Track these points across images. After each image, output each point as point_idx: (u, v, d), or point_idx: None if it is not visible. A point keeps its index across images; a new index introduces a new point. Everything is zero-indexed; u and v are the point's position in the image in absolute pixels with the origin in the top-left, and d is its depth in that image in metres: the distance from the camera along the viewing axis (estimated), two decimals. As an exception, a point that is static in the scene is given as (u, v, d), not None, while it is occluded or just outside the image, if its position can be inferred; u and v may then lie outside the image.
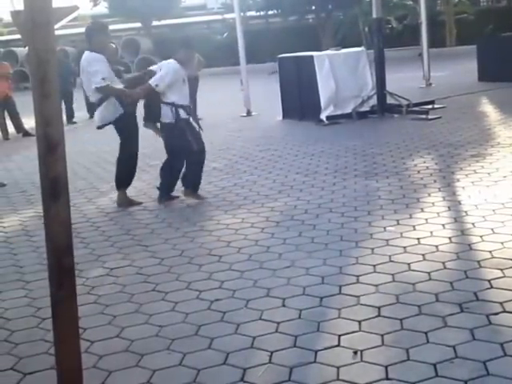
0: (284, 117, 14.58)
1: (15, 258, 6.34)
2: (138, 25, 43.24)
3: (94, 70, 7.40)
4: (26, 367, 4.06)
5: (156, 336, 4.34)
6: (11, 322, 4.79)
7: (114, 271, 5.70)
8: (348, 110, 13.52)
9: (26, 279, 5.68)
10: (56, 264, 3.11)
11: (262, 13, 36.88)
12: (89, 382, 3.51)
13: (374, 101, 13.68)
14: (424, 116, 12.69)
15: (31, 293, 5.33)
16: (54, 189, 3.02)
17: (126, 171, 7.97)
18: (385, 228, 6.12)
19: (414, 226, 6.08)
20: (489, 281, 4.68)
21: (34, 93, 2.96)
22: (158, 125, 7.81)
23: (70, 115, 17.64)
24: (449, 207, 6.65)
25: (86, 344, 4.20)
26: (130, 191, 8.38)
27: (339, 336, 4.06)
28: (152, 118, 7.74)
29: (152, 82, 7.48)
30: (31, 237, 6.99)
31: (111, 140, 13.14)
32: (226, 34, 36.70)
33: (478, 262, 5.06)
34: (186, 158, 7.76)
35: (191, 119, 7.81)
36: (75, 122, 17.69)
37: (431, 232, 5.87)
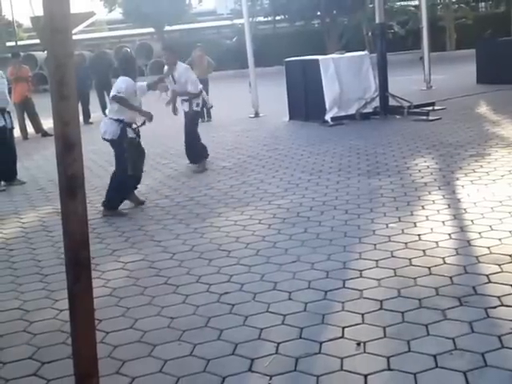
0: (290, 118, 14.67)
1: (34, 253, 6.45)
2: (151, 30, 43.40)
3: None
4: (44, 356, 4.17)
5: (168, 327, 4.43)
6: (30, 313, 4.91)
7: (128, 265, 5.80)
8: (352, 112, 13.63)
9: (44, 273, 5.80)
10: (73, 258, 3.16)
11: (269, 18, 36.87)
12: (104, 371, 3.59)
13: (376, 102, 13.77)
14: (425, 117, 12.79)
15: (49, 285, 5.44)
16: (72, 186, 3.05)
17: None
18: (387, 225, 6.21)
19: (414, 223, 6.18)
20: (487, 276, 4.76)
21: (52, 95, 3.00)
22: None
23: (87, 116, 17.78)
24: (448, 205, 6.73)
25: (101, 335, 4.30)
26: (142, 189, 8.54)
27: (343, 328, 4.15)
28: None
29: None
30: (49, 232, 7.11)
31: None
32: (235, 39, 36.66)
33: (477, 257, 5.15)
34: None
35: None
36: (91, 123, 17.82)
37: (431, 228, 5.95)
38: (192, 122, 10.09)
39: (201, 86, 10.06)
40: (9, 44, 40.48)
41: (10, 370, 4.05)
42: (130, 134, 7.63)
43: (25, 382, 3.92)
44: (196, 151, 10.07)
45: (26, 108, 16.02)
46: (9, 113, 10.07)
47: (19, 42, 43.56)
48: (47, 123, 15.66)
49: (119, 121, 7.56)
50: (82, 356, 3.32)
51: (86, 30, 32.27)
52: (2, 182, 9.97)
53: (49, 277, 5.67)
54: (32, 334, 4.55)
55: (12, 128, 10.27)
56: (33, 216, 7.99)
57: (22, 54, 22.18)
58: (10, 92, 10.93)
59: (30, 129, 16.31)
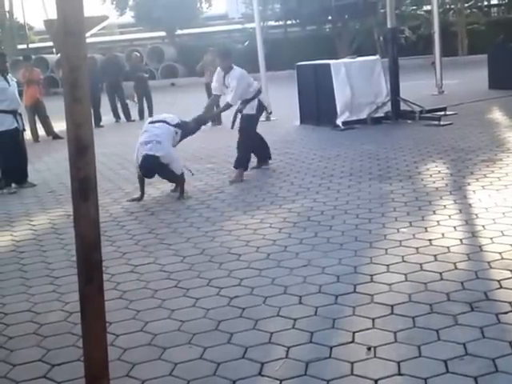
0: (301, 122, 14.66)
1: (44, 255, 6.48)
2: (163, 34, 43.65)
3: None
4: (54, 359, 4.18)
5: (178, 330, 4.44)
6: (40, 315, 4.92)
7: (138, 268, 5.82)
8: (363, 116, 13.62)
9: (54, 275, 5.81)
10: (85, 259, 3.18)
11: (281, 22, 36.99)
12: (114, 374, 3.60)
13: (388, 107, 13.75)
14: (436, 122, 12.76)
15: (59, 288, 5.46)
16: (84, 189, 3.08)
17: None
18: (398, 229, 6.20)
19: (426, 228, 6.16)
20: (498, 281, 4.75)
21: (65, 97, 3.02)
22: None
23: (98, 119, 17.86)
24: (460, 210, 6.73)
25: (112, 337, 4.29)
26: (153, 192, 8.56)
27: (354, 333, 4.14)
28: None
29: None
30: (59, 235, 7.14)
31: (136, 143, 13.35)
32: (246, 43, 36.81)
33: (488, 262, 5.13)
34: None
35: None
36: (102, 126, 17.92)
37: (443, 234, 5.94)
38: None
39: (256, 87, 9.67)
40: (20, 47, 40.71)
41: (20, 372, 4.06)
42: None
43: (34, 385, 3.92)
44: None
45: (37, 111, 16.13)
46: (20, 115, 10.12)
47: (31, 45, 43.84)
48: (58, 126, 15.75)
49: None
50: (92, 358, 3.35)
51: (97, 34, 32.53)
52: (13, 185, 10.00)
53: (59, 279, 5.69)
54: (42, 336, 4.56)
55: (24, 130, 10.31)
56: (43, 218, 8.02)
57: (33, 56, 22.31)
58: (21, 94, 10.96)
59: (41, 131, 16.39)
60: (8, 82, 9.85)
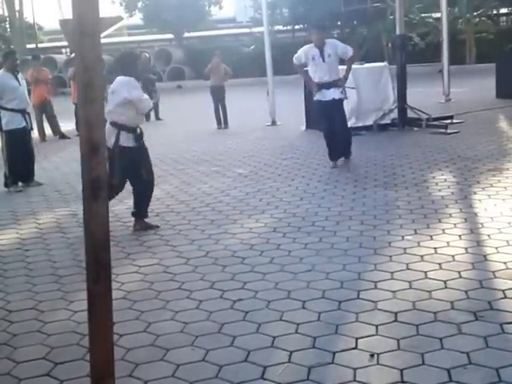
0: (307, 127, 14.65)
1: (50, 254, 6.49)
2: (171, 36, 43.82)
3: None
4: (58, 357, 4.19)
5: (181, 332, 4.44)
6: (44, 313, 4.93)
7: (143, 269, 5.83)
8: (369, 122, 13.62)
9: (59, 274, 5.83)
10: (94, 258, 3.18)
11: (288, 27, 37.06)
12: (117, 374, 3.55)
13: (394, 114, 13.76)
14: (443, 130, 12.77)
15: (64, 287, 5.47)
16: (95, 188, 3.08)
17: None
18: (403, 237, 6.19)
19: (431, 236, 6.15)
20: (503, 291, 4.74)
21: (79, 97, 3.04)
22: None
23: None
24: (465, 219, 6.70)
25: (115, 337, 4.18)
26: (158, 194, 8.55)
27: (356, 339, 4.14)
28: None
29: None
30: (65, 234, 7.16)
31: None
32: (252, 47, 36.91)
33: (493, 272, 5.12)
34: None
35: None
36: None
37: (448, 242, 5.93)
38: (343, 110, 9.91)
39: None
40: (29, 46, 40.86)
41: (23, 370, 4.08)
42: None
43: (37, 382, 3.93)
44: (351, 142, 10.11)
45: (45, 110, 16.18)
46: (29, 114, 10.15)
47: (39, 45, 44.01)
48: (65, 125, 15.79)
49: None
50: (98, 357, 3.35)
51: (105, 35, 32.59)
52: (20, 183, 10.04)
53: (64, 278, 5.70)
54: (46, 334, 4.57)
55: (31, 129, 10.34)
56: (49, 217, 8.03)
57: (41, 56, 22.36)
58: (28, 94, 10.99)
59: (48, 130, 16.44)
60: (19, 81, 9.89)
